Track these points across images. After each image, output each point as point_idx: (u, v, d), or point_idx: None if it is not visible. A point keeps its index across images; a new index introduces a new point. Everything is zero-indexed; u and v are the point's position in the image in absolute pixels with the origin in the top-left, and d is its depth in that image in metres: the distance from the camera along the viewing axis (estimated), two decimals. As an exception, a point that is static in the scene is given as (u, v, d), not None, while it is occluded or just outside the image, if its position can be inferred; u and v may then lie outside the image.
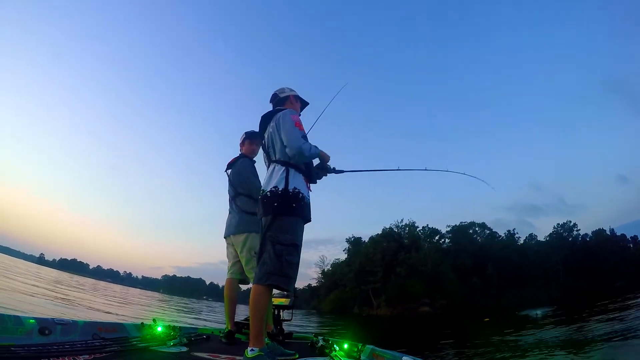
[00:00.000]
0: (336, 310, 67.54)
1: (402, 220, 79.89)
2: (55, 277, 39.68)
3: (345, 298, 72.37)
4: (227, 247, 3.91)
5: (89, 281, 65.76)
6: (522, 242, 78.20)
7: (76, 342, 2.36)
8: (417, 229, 79.69)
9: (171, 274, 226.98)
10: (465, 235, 74.46)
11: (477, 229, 77.12)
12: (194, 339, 3.44)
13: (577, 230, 73.73)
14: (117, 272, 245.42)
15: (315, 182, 2.93)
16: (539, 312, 20.21)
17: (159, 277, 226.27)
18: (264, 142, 2.84)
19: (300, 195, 2.51)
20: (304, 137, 2.59)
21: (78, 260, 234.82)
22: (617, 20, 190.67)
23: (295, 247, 2.43)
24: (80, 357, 1.95)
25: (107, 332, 2.83)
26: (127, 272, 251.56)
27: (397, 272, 63.07)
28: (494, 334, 16.58)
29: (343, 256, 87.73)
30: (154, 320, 3.37)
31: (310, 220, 2.66)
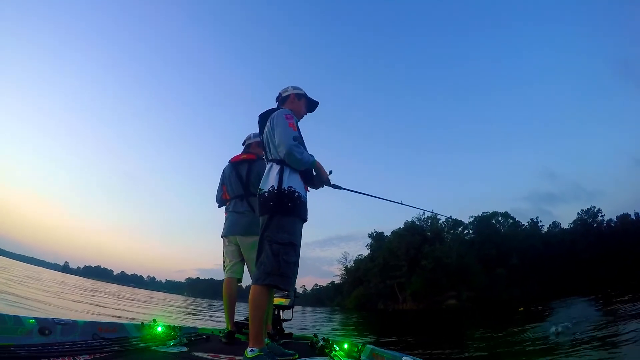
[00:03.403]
0: (360, 307, 67.21)
1: (423, 213, 79.08)
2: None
3: (370, 294, 71.81)
4: (226, 246, 3.84)
5: (114, 287, 67.23)
6: (545, 230, 75.99)
7: (76, 342, 2.38)
8: (440, 221, 78.87)
9: (194, 277, 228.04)
10: (489, 225, 72.77)
11: (500, 218, 75.29)
12: (194, 339, 3.44)
13: (601, 216, 70.66)
14: (141, 277, 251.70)
15: (314, 187, 2.90)
16: (558, 327, 11.77)
17: (183, 280, 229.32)
18: (262, 140, 2.86)
19: (296, 194, 2.49)
20: (296, 138, 2.55)
21: (102, 267, 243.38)
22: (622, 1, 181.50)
23: (292, 246, 2.43)
24: (80, 357, 1.97)
25: (107, 332, 2.85)
26: (151, 277, 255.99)
27: (422, 265, 62.10)
28: (535, 323, 16.00)
29: (365, 252, 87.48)
30: (154, 320, 3.40)
31: (306, 220, 2.64)
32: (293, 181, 2.53)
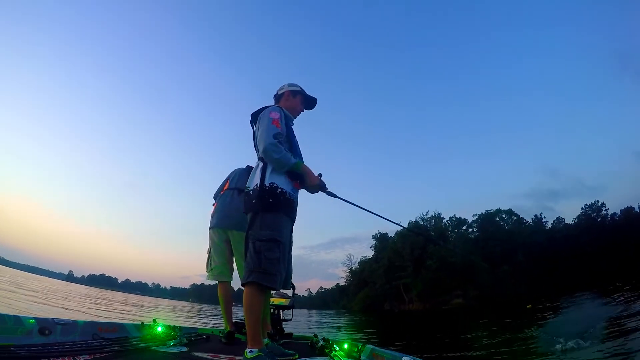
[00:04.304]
0: (366, 308, 67.13)
1: (427, 212, 79.03)
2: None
3: (375, 295, 71.77)
4: (215, 241, 3.72)
5: (119, 295, 67.13)
6: (549, 226, 75.28)
7: (76, 342, 2.38)
8: (444, 220, 78.79)
9: (199, 283, 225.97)
10: (493, 222, 72.43)
11: (503, 215, 74.98)
12: (194, 339, 3.44)
13: (605, 210, 69.72)
14: (146, 284, 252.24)
15: (308, 190, 2.76)
16: (566, 344, 8.81)
17: (187, 287, 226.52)
18: (253, 139, 2.80)
19: (279, 190, 2.42)
20: (277, 135, 2.48)
21: (106, 275, 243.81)
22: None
23: (275, 242, 2.34)
24: (80, 357, 1.97)
25: (107, 332, 2.86)
26: (156, 284, 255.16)
27: (427, 265, 62.11)
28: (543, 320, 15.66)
29: (370, 253, 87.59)
30: (154, 320, 3.40)
31: (292, 216, 2.58)
32: (276, 178, 2.47)
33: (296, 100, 2.98)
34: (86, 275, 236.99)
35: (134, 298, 58.13)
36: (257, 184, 2.46)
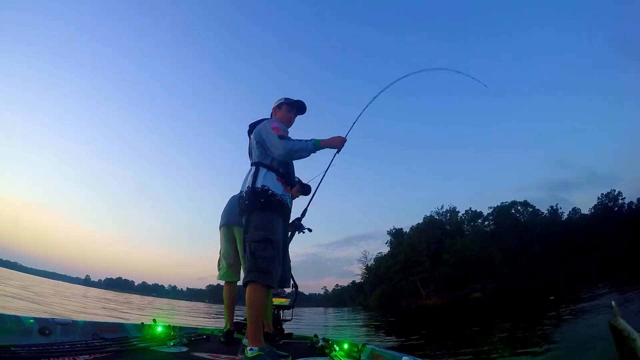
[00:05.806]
0: (383, 305, 66.62)
1: (442, 206, 78.18)
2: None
3: (392, 291, 70.84)
4: (223, 241, 3.81)
5: (136, 298, 67.72)
6: (565, 217, 73.25)
7: (76, 342, 2.42)
8: (459, 214, 77.83)
9: (215, 284, 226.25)
10: (508, 215, 71.15)
11: (519, 207, 73.59)
12: (194, 339, 3.48)
13: (622, 199, 67.40)
14: (162, 286, 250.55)
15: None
16: None
17: (204, 288, 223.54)
18: (249, 146, 2.95)
19: (270, 192, 2.56)
20: (282, 137, 2.62)
21: (123, 278, 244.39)
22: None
23: (268, 242, 2.46)
24: (81, 357, 2.01)
25: (108, 332, 2.92)
26: (172, 286, 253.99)
27: (444, 259, 61.31)
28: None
29: (385, 249, 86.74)
30: (154, 320, 3.48)
31: (285, 218, 2.76)
32: (267, 181, 2.62)
33: (282, 112, 3.07)
34: (103, 279, 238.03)
35: (149, 300, 58.52)
36: (248, 186, 2.61)
